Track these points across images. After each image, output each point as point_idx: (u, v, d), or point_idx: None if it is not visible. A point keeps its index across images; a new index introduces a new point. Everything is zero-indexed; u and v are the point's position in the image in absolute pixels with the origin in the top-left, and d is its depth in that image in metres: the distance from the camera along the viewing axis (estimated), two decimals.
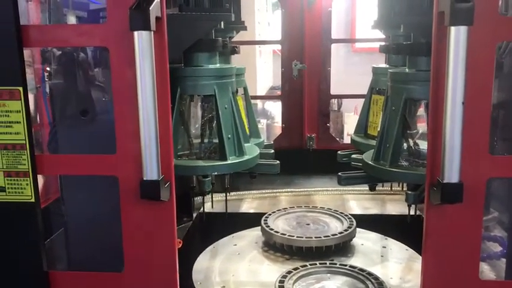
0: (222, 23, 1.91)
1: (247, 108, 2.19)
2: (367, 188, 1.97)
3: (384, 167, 1.66)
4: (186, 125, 1.92)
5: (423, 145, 1.72)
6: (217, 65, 1.87)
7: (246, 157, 1.86)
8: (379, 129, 1.99)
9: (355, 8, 6.51)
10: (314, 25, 2.90)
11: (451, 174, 1.19)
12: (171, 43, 1.29)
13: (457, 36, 1.14)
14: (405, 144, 1.73)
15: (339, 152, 2.21)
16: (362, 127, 2.28)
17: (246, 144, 1.92)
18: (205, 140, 1.93)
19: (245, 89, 2.21)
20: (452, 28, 1.14)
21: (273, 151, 2.19)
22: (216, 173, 1.85)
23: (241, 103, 2.11)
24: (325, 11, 2.93)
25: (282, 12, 2.97)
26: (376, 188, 1.99)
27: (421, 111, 1.76)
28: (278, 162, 1.98)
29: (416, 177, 1.58)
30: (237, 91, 2.01)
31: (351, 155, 2.04)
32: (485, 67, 1.21)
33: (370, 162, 1.72)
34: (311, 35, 2.90)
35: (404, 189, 2.40)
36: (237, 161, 1.83)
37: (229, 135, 1.83)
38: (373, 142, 2.04)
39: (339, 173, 1.79)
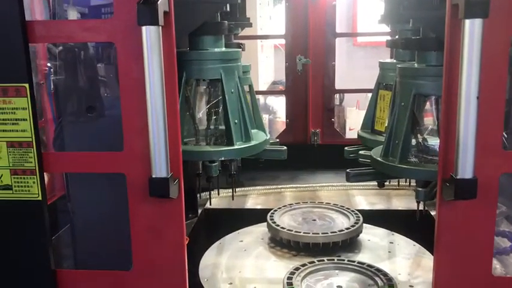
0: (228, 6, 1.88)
1: (253, 105, 2.16)
2: (373, 183, 1.94)
3: (393, 164, 1.63)
4: (192, 111, 1.88)
5: (432, 141, 1.70)
6: (223, 49, 1.84)
7: (253, 142, 1.83)
8: (386, 124, 1.97)
9: (357, 3, 6.50)
10: (318, 19, 2.88)
11: (465, 170, 1.17)
12: (176, 26, 1.25)
13: (472, 30, 1.11)
14: (414, 140, 1.70)
15: (346, 148, 2.19)
16: (369, 123, 2.25)
17: (252, 130, 1.89)
18: (211, 126, 1.89)
19: (250, 87, 2.18)
20: (467, 21, 1.11)
21: None
22: (223, 158, 1.81)
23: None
24: (330, 5, 2.91)
25: (286, 6, 2.94)
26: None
27: (427, 105, 1.74)
28: (285, 148, 1.95)
29: (427, 174, 1.55)
30: None
31: (358, 151, 2.02)
32: (499, 61, 1.19)
33: (379, 159, 1.69)
34: (315, 29, 2.88)
35: (411, 184, 2.40)
36: (244, 146, 1.80)
37: (236, 120, 1.79)
38: (380, 138, 2.02)
39: (348, 170, 1.76)
